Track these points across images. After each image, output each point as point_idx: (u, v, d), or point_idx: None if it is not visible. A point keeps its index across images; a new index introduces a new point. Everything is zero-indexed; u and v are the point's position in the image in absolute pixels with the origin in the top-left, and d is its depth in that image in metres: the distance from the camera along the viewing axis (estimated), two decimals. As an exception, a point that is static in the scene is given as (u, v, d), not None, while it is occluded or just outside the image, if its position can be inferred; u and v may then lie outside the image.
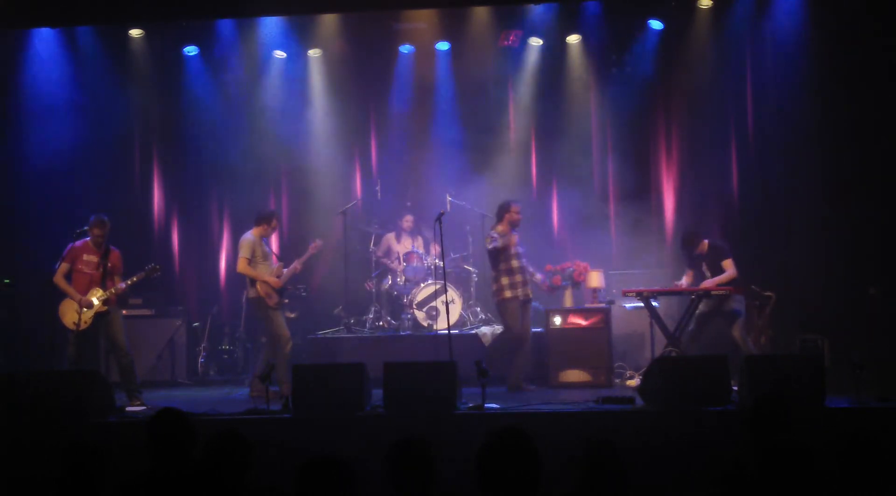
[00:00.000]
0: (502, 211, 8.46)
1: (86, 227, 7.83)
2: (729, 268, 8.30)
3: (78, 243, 7.86)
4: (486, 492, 3.06)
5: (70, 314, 7.75)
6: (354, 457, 3.27)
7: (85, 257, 7.86)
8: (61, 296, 7.84)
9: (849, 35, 9.14)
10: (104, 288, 7.82)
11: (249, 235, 8.48)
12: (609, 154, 10.51)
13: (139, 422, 6.67)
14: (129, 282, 7.94)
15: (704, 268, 8.41)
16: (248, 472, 3.76)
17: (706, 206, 9.95)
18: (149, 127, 10.74)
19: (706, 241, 8.46)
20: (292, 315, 9.96)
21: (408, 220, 10.22)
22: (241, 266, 8.40)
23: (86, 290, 7.79)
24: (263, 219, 8.55)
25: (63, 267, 7.80)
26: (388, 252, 10.24)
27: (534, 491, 3.06)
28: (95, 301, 7.76)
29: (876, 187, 9.11)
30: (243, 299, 9.58)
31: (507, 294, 8.30)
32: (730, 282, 8.25)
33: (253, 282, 8.37)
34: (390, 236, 10.32)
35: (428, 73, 10.75)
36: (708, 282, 8.34)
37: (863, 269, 8.94)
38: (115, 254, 7.99)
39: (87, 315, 7.74)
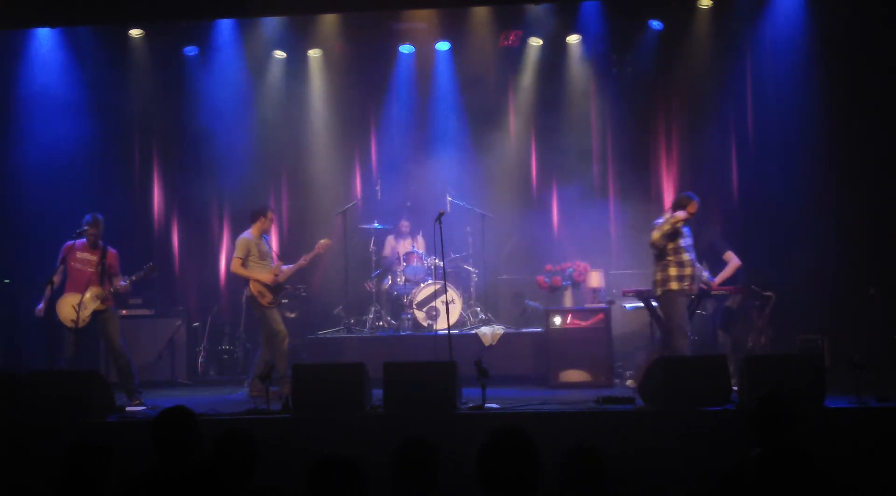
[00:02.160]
0: (682, 204, 7.88)
1: (84, 228, 7.84)
2: (732, 261, 8.38)
3: (75, 242, 7.88)
4: (486, 491, 3.06)
5: (68, 312, 7.75)
6: (354, 458, 3.26)
7: (79, 255, 7.87)
8: (58, 295, 7.83)
9: (848, 34, 9.14)
10: (100, 283, 7.83)
11: (247, 234, 8.43)
12: (609, 154, 10.52)
13: (139, 422, 6.69)
14: (129, 281, 7.95)
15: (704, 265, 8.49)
16: (253, 473, 3.76)
17: (706, 205, 9.93)
18: (149, 127, 10.75)
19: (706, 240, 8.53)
20: (292, 315, 9.97)
21: (405, 225, 10.21)
22: (234, 266, 8.37)
23: (83, 288, 7.77)
24: (259, 214, 8.50)
25: (60, 268, 7.82)
26: (390, 252, 10.24)
27: (534, 490, 3.06)
28: (92, 299, 7.76)
29: (876, 187, 9.10)
30: (243, 299, 9.59)
31: (674, 286, 7.72)
32: (730, 282, 8.31)
33: (247, 281, 8.35)
34: (390, 238, 10.32)
35: (428, 73, 10.75)
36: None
37: (863, 269, 8.93)
38: (112, 254, 7.99)
39: (85, 313, 7.74)
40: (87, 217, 7.87)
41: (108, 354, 8.19)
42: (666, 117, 10.38)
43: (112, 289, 7.87)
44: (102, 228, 7.92)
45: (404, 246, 10.19)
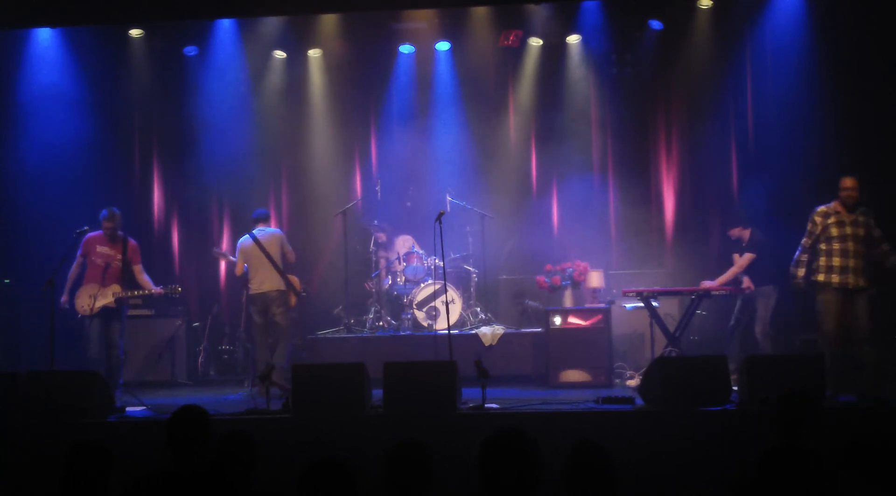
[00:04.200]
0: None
1: (101, 221, 8.08)
2: (738, 262, 8.43)
3: (92, 234, 8.12)
4: (485, 492, 3.06)
5: (84, 299, 8.00)
6: (354, 458, 3.27)
7: (99, 248, 8.10)
8: (76, 286, 8.07)
9: (848, 34, 9.14)
10: (122, 280, 8.06)
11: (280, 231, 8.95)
12: (609, 154, 10.52)
13: (139, 423, 6.70)
14: (156, 291, 8.17)
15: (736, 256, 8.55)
16: (253, 473, 3.77)
17: (706, 205, 9.96)
18: (149, 127, 10.76)
19: (749, 230, 8.59)
20: (292, 315, 9.95)
21: (381, 237, 10.14)
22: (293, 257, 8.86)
23: (102, 281, 8.00)
24: (269, 216, 9.04)
25: (79, 259, 8.09)
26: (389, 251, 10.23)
27: (534, 490, 3.06)
28: (109, 294, 7.99)
29: (875, 186, 9.09)
30: (243, 299, 9.57)
31: (821, 277, 7.23)
32: (731, 282, 8.33)
33: (285, 278, 8.60)
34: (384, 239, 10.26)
35: (428, 74, 10.76)
36: (707, 283, 8.37)
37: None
38: (132, 245, 8.25)
39: (97, 303, 7.94)
40: (104, 211, 8.13)
41: (105, 350, 8.12)
42: (666, 117, 10.38)
43: (136, 293, 8.16)
44: (119, 221, 8.19)
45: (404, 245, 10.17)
